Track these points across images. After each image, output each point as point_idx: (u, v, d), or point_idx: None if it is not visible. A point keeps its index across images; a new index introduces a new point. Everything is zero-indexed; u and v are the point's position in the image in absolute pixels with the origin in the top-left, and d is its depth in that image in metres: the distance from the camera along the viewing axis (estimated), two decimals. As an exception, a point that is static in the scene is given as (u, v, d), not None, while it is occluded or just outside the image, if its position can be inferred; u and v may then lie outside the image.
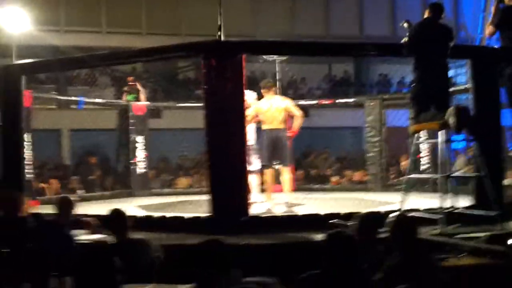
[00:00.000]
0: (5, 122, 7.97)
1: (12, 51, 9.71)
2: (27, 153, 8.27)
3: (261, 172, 8.00)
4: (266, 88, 7.99)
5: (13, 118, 7.94)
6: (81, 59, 8.22)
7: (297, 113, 7.97)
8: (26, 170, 8.20)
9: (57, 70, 11.66)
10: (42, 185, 10.11)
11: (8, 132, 7.94)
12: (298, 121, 7.99)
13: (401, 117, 10.67)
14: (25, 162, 8.18)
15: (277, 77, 10.49)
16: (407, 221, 4.06)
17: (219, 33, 6.74)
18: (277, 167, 7.92)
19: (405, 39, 6.30)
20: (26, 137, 8.23)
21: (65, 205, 5.29)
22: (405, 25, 6.38)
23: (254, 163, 9.44)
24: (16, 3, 11.55)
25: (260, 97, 8.05)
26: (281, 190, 8.03)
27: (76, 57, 8.67)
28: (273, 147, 7.80)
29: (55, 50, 16.36)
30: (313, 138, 13.14)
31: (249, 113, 7.69)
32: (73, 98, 11.77)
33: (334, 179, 11.84)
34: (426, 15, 6.32)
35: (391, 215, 4.01)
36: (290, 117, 8.08)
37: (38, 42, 15.04)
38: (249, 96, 9.40)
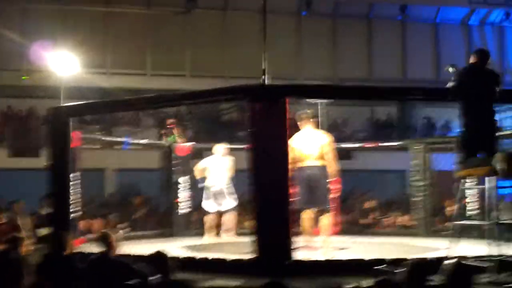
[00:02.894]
0: (53, 162, 8.15)
1: (60, 92, 9.97)
2: (73, 192, 8.38)
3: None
4: (301, 120, 7.45)
5: (61, 158, 8.12)
6: (127, 102, 8.41)
7: (330, 156, 7.22)
8: (72, 209, 8.31)
9: (104, 113, 11.90)
10: (88, 222, 10.23)
11: (56, 172, 8.10)
12: (330, 169, 7.22)
13: (445, 161, 10.50)
14: (71, 201, 8.30)
15: (320, 120, 10.48)
16: (465, 270, 3.94)
17: (263, 77, 6.80)
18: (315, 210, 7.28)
19: (450, 84, 6.24)
20: (72, 176, 8.36)
21: (106, 239, 5.29)
22: (450, 69, 6.31)
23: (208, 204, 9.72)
24: (65, 47, 11.92)
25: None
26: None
27: (122, 100, 8.86)
28: (308, 188, 7.18)
29: (101, 92, 16.77)
30: (356, 181, 13.03)
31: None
32: (119, 139, 11.96)
33: (378, 223, 11.66)
34: (472, 61, 6.26)
35: (446, 262, 3.88)
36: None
37: (85, 84, 15.46)
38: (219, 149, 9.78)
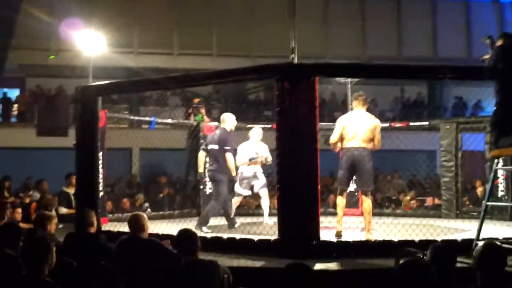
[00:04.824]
0: (81, 141, 8.17)
1: (89, 72, 9.99)
2: (100, 171, 8.40)
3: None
4: (356, 100, 7.40)
5: (89, 137, 8.13)
6: (155, 81, 8.35)
7: (378, 140, 7.27)
8: (99, 188, 8.34)
9: (132, 92, 11.91)
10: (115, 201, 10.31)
11: (84, 151, 8.13)
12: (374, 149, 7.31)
13: (476, 141, 10.31)
14: (98, 180, 8.33)
15: (349, 99, 10.34)
16: (499, 251, 3.84)
17: (292, 55, 6.68)
18: (352, 189, 7.47)
19: (486, 56, 6.10)
20: (99, 155, 8.38)
21: (137, 221, 5.26)
22: (487, 41, 6.17)
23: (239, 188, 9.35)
24: (92, 27, 11.94)
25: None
26: (357, 214, 7.64)
27: (150, 79, 8.80)
28: (352, 169, 7.19)
29: (128, 71, 16.85)
30: (384, 161, 12.87)
31: (335, 133, 7.28)
32: (146, 118, 11.99)
33: (406, 203, 11.54)
34: (500, 43, 6.09)
35: (477, 243, 3.79)
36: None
37: (112, 63, 15.52)
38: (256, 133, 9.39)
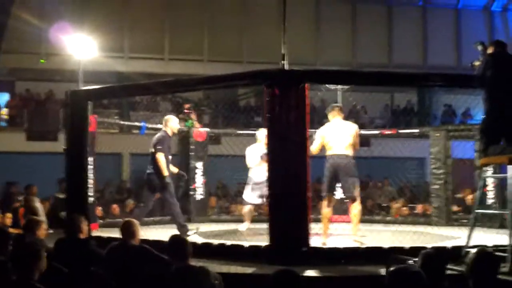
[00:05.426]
0: (70, 146, 8.14)
1: (78, 76, 9.96)
2: (90, 176, 8.36)
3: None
4: (333, 111, 7.54)
5: (79, 142, 8.11)
6: (145, 86, 8.34)
7: (357, 146, 7.45)
8: (88, 193, 8.31)
9: (122, 97, 11.89)
10: (105, 206, 10.25)
11: (73, 156, 8.10)
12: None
13: (466, 148, 10.37)
14: (88, 185, 8.30)
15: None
16: (492, 258, 3.85)
17: (283, 61, 6.70)
18: (338, 197, 7.45)
19: (476, 62, 6.15)
20: (89, 160, 8.35)
21: (129, 228, 5.24)
22: (479, 47, 6.22)
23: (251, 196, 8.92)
24: (83, 31, 11.91)
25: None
26: (347, 221, 7.68)
27: (140, 84, 8.79)
28: (335, 176, 7.26)
29: (119, 76, 16.81)
30: (373, 168, 12.92)
31: (315, 144, 7.36)
32: (136, 123, 11.97)
33: (395, 211, 11.56)
34: (490, 51, 6.13)
35: (467, 250, 3.80)
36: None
37: (103, 68, 15.49)
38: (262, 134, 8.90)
